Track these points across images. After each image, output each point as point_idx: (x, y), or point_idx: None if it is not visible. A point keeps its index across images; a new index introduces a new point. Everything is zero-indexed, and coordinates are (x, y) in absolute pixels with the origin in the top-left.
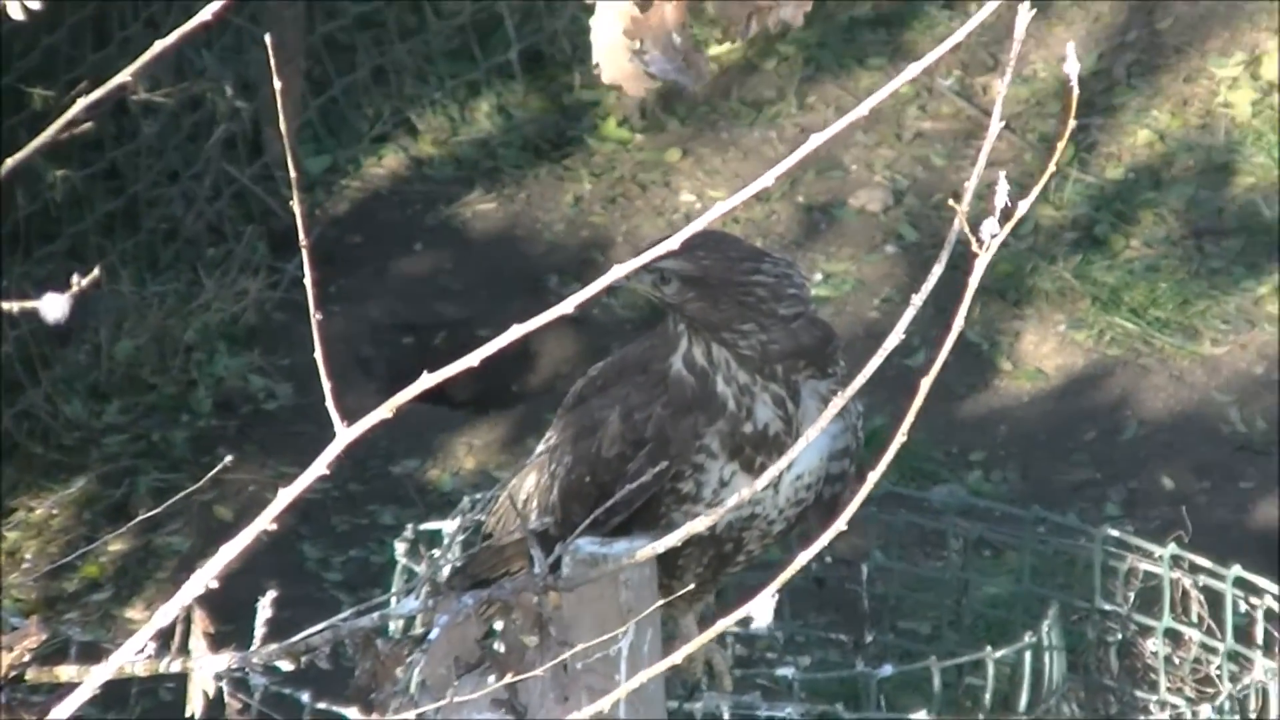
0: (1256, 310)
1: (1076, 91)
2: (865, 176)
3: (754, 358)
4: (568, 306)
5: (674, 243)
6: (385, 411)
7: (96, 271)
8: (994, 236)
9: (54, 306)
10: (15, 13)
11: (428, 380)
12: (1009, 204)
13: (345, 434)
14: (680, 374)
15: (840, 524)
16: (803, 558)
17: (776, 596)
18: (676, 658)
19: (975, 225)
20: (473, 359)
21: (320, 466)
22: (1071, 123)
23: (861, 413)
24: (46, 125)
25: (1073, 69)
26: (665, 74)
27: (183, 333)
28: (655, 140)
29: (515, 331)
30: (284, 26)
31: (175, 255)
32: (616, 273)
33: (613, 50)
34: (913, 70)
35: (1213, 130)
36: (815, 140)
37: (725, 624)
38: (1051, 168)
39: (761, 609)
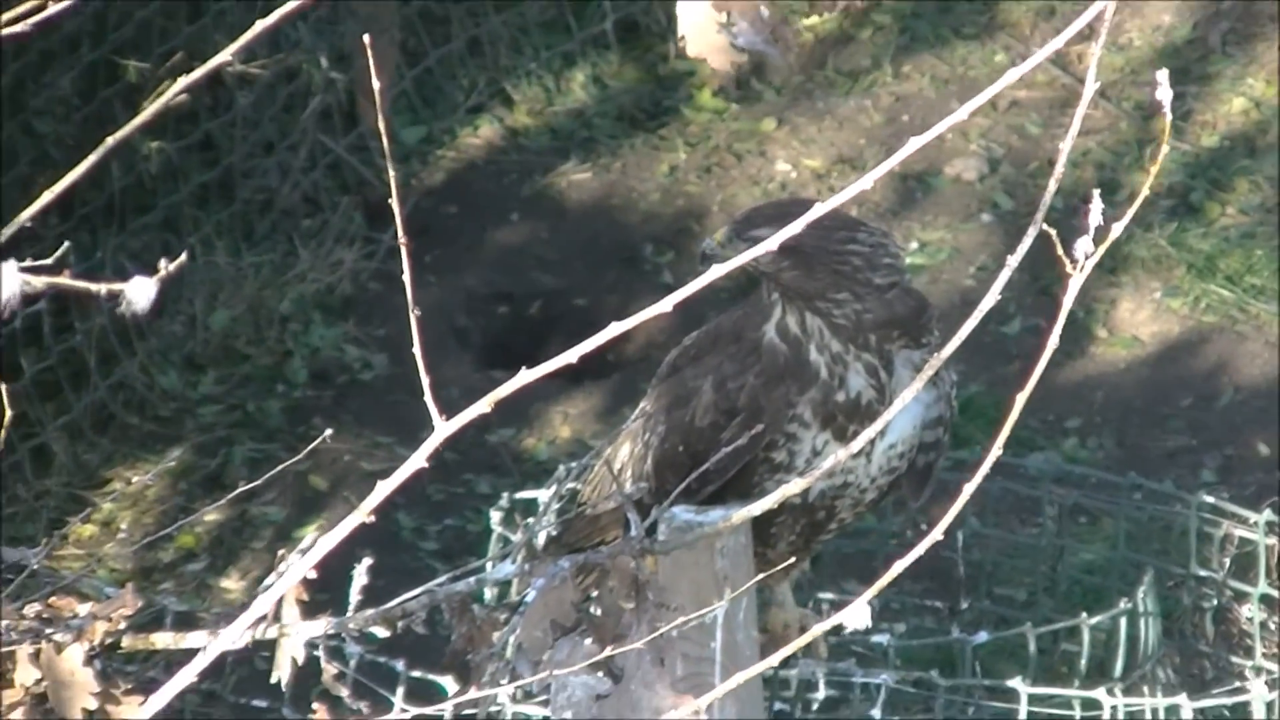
0: None
1: (1169, 118)
2: (961, 145)
3: (848, 326)
4: (666, 306)
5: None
6: (484, 406)
7: (184, 257)
8: (1088, 257)
9: (142, 291)
10: None
11: (525, 376)
12: (1102, 224)
13: (444, 427)
14: (773, 342)
15: (938, 533)
16: (900, 565)
17: (872, 602)
18: (774, 660)
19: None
20: (571, 355)
21: (419, 459)
22: (1165, 147)
23: (955, 381)
24: (141, 98)
25: (1165, 96)
26: (753, 46)
27: (278, 303)
28: (750, 110)
29: (614, 329)
30: None
31: (270, 226)
32: (716, 272)
33: (700, 23)
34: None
35: None
36: (914, 143)
37: (821, 629)
38: (1144, 192)
39: (858, 615)
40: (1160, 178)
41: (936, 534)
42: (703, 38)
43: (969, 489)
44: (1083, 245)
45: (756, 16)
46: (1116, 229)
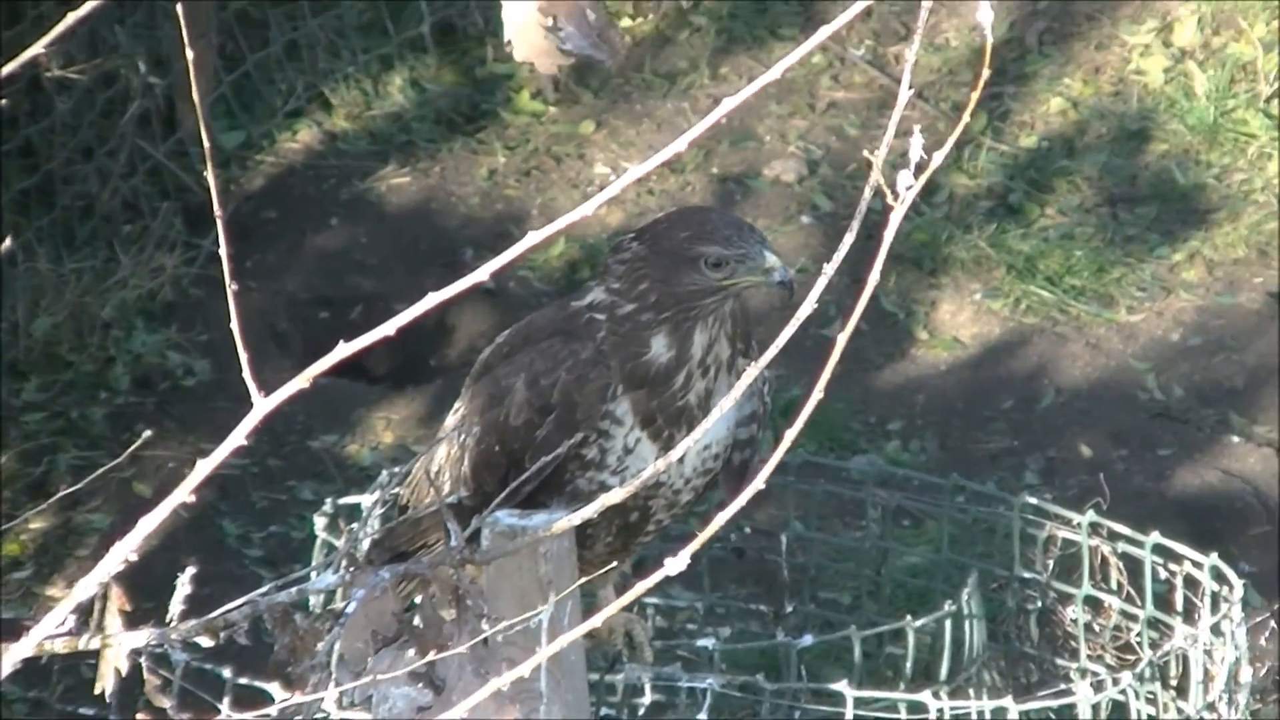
0: (1172, 277)
1: (990, 41)
2: (779, 147)
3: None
4: (482, 275)
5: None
6: (302, 381)
7: (9, 242)
8: (909, 188)
9: None
10: None
11: (344, 350)
12: (923, 158)
13: (262, 404)
14: (658, 357)
15: (758, 483)
16: (720, 519)
17: (691, 560)
18: (595, 621)
19: (884, 181)
20: (388, 328)
21: (239, 437)
22: (985, 74)
23: (768, 378)
24: None
25: (986, 19)
26: (580, 50)
27: (100, 309)
28: (569, 113)
29: (430, 300)
30: (197, 2)
31: (91, 232)
32: (530, 240)
33: (526, 27)
34: (824, 32)
35: (1125, 98)
36: (726, 104)
37: (643, 587)
38: (965, 118)
39: (677, 563)
40: (979, 178)
41: (758, 484)
42: (529, 41)
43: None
44: (903, 179)
45: (583, 20)
46: (936, 158)
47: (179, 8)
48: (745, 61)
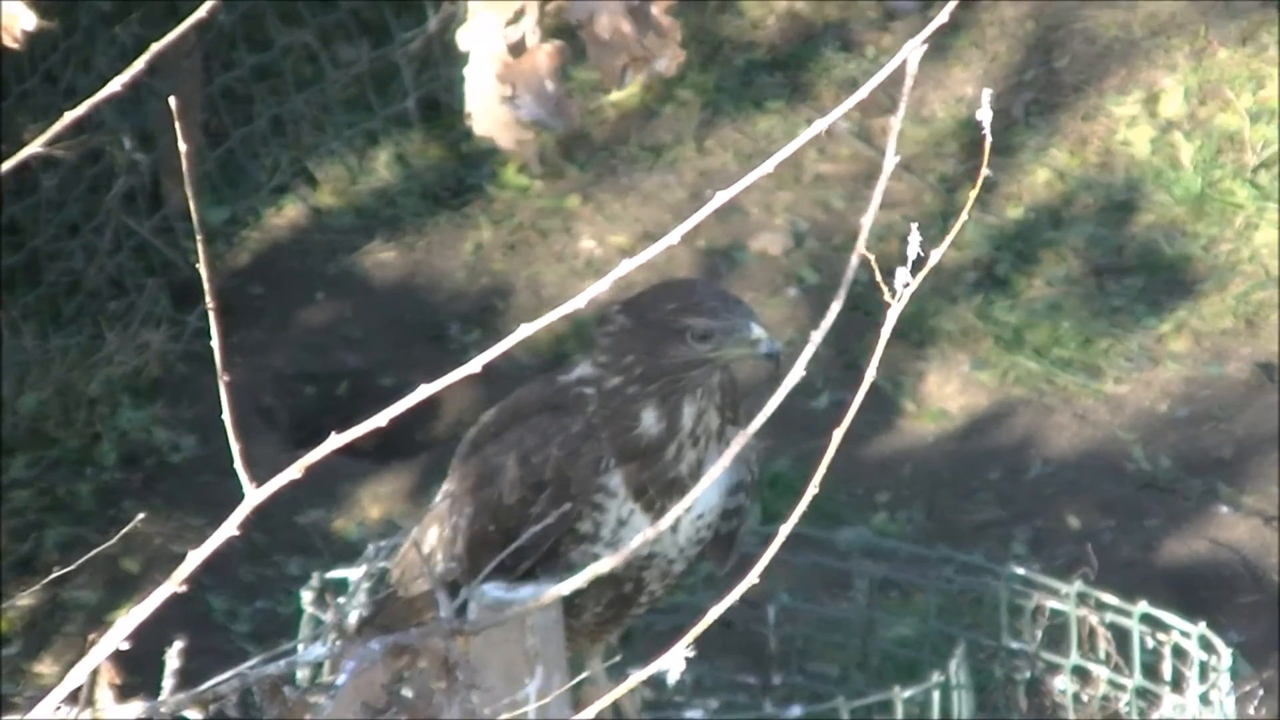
0: (1159, 348)
1: (990, 140)
2: (765, 220)
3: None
4: (476, 366)
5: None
6: (295, 472)
7: None
8: (906, 286)
9: None
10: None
11: (336, 440)
12: (921, 254)
13: (254, 495)
14: (648, 430)
15: (752, 578)
16: (714, 612)
17: (689, 651)
18: (588, 714)
19: (877, 268)
20: (380, 419)
21: (230, 528)
22: (985, 172)
23: (755, 446)
24: None
25: (985, 116)
26: (537, 119)
27: (86, 386)
28: (555, 187)
29: (422, 391)
30: (181, 78)
31: (77, 309)
32: (523, 332)
33: (485, 98)
34: (818, 126)
35: (1112, 168)
36: (719, 198)
37: (638, 679)
38: (965, 216)
39: (673, 661)
40: (966, 250)
41: (752, 578)
42: (489, 115)
43: (778, 540)
44: (901, 276)
45: (542, 90)
46: (935, 255)
47: (166, 86)
48: (731, 135)
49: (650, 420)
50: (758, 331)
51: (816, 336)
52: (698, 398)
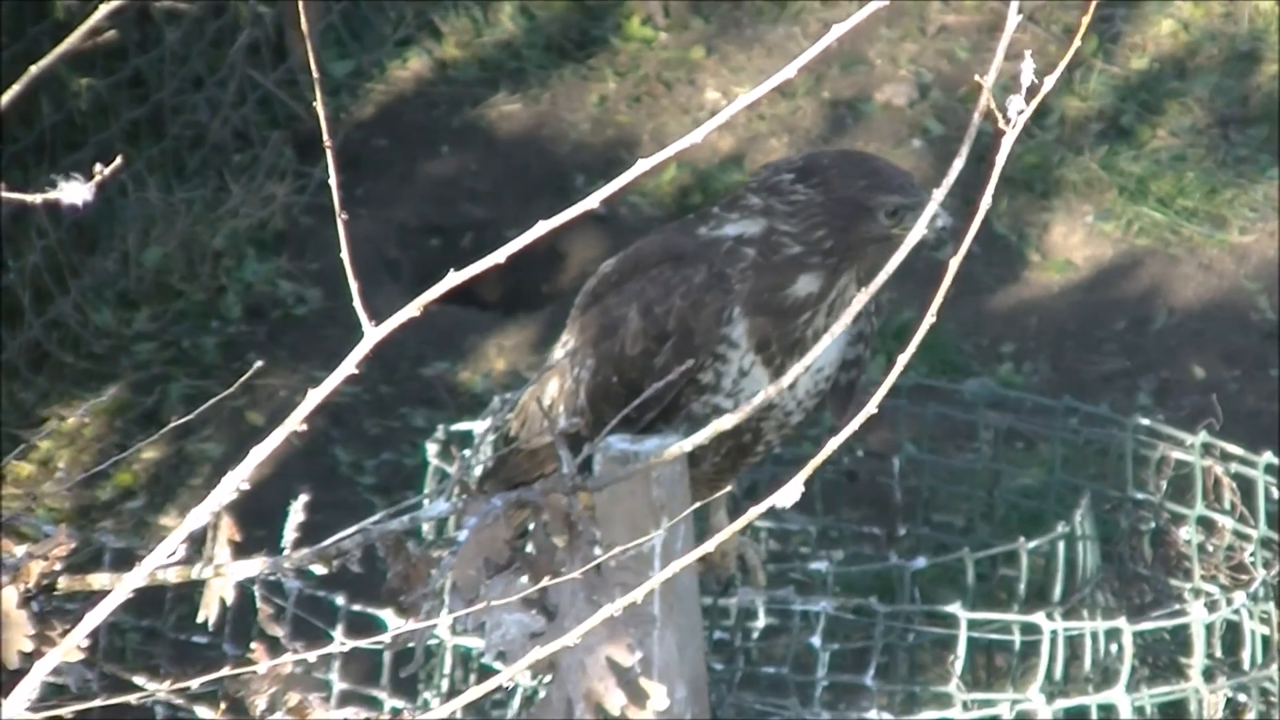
0: None
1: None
2: (890, 71)
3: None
4: (593, 202)
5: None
6: (413, 309)
7: (119, 160)
8: (1020, 113)
9: (75, 193)
10: None
11: (455, 278)
12: (1035, 82)
13: (373, 333)
14: (798, 292)
15: (870, 408)
16: (832, 444)
17: (804, 484)
18: (709, 546)
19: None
20: (499, 256)
21: (349, 365)
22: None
23: (878, 298)
24: (69, 34)
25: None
26: None
27: (210, 239)
28: (679, 38)
29: (541, 228)
30: None
31: (201, 162)
32: (641, 166)
33: None
34: None
35: (1236, 19)
36: (836, 30)
37: (755, 513)
38: (1076, 43)
39: (788, 494)
40: (1090, 101)
41: (871, 408)
42: None
43: (893, 374)
44: (1014, 103)
45: None
46: (1048, 83)
47: None
48: None
49: (806, 284)
50: (939, 209)
51: (940, 191)
52: (854, 268)
